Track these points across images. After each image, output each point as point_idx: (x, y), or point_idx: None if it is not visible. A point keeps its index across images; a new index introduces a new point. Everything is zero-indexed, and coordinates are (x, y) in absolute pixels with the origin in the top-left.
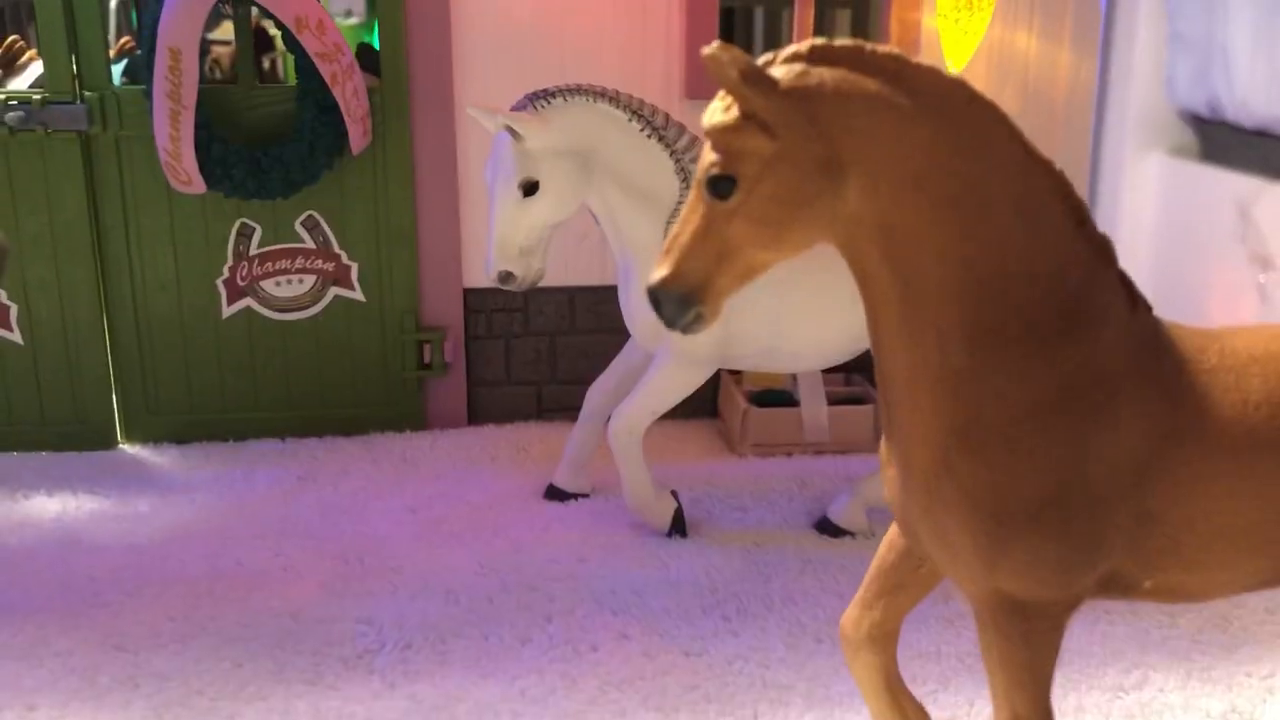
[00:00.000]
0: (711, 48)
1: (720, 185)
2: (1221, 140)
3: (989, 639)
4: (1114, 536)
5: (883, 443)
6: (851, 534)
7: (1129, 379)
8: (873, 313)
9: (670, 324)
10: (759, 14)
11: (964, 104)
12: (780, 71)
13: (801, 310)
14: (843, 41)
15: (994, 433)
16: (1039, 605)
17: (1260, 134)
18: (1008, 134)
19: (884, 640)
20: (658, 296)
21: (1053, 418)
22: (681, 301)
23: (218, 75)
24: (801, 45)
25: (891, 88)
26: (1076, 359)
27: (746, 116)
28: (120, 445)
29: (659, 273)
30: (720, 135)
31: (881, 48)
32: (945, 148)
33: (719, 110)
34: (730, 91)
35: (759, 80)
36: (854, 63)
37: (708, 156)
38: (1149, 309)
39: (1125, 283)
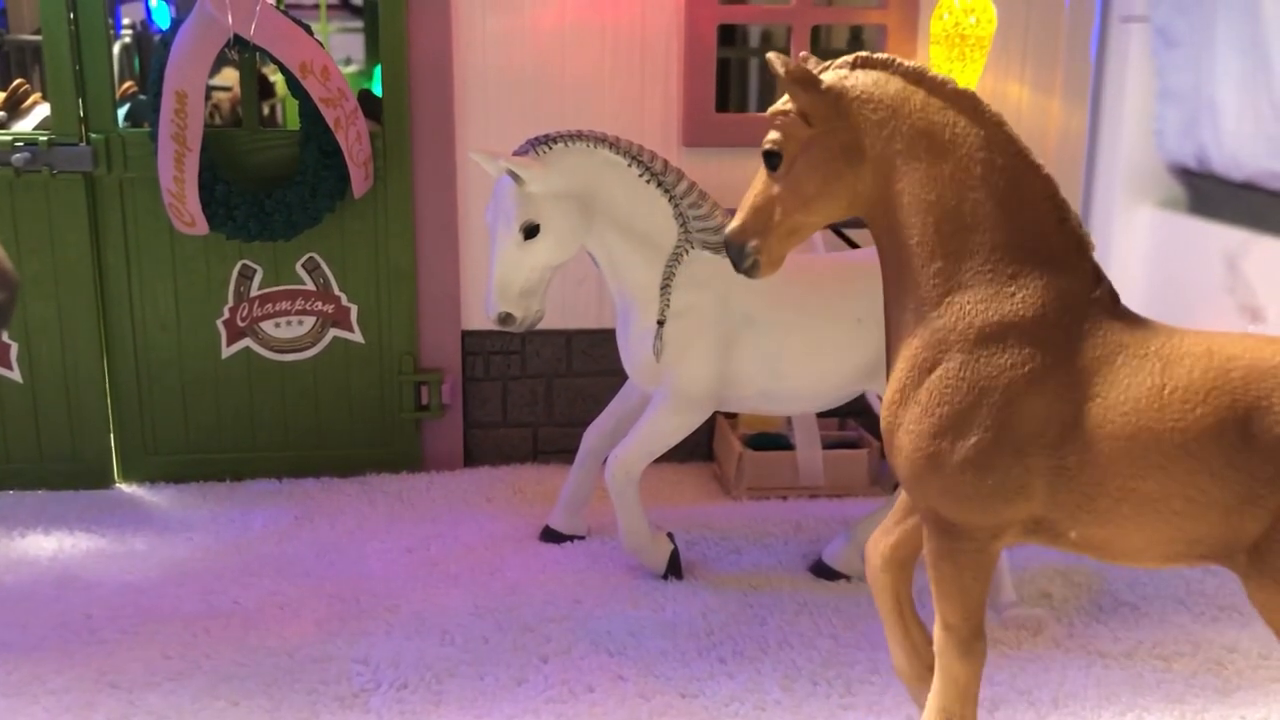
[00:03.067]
0: (771, 54)
1: (771, 159)
2: (1210, 193)
3: (928, 556)
4: (1033, 482)
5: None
6: (847, 577)
7: (1065, 352)
8: (884, 278)
9: (736, 266)
10: (754, 64)
11: (969, 109)
12: (829, 75)
13: (798, 352)
14: (880, 55)
15: (942, 374)
16: (963, 528)
17: (1248, 186)
18: (1006, 138)
19: (897, 564)
20: (728, 241)
21: (988, 369)
22: (743, 248)
23: (217, 120)
24: (850, 56)
25: (910, 88)
26: (1025, 329)
27: (796, 107)
28: (117, 484)
29: (731, 224)
30: (774, 119)
31: (909, 61)
32: (942, 140)
33: (782, 101)
34: (785, 88)
35: (802, 80)
36: (884, 69)
37: (769, 135)
38: (1115, 298)
39: (1097, 273)
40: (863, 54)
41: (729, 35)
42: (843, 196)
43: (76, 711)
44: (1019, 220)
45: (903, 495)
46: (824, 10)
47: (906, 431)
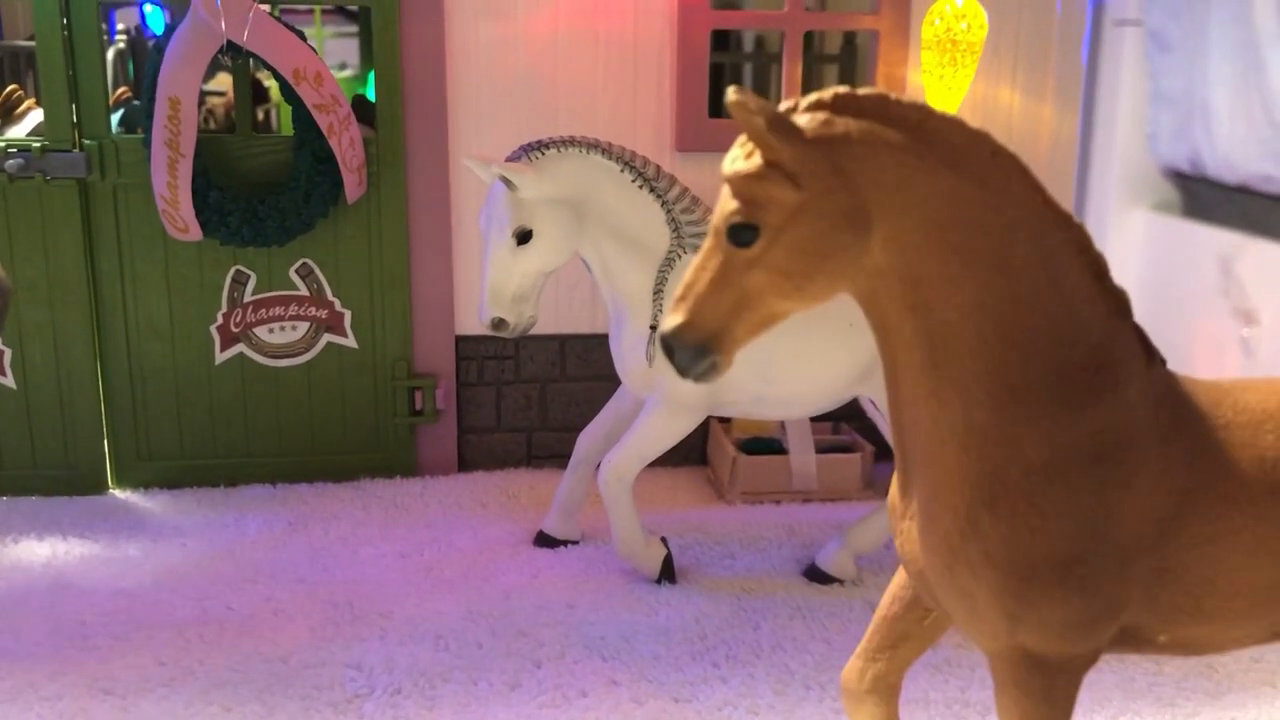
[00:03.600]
0: (736, 94)
1: (742, 234)
2: (1204, 196)
3: (1008, 697)
4: (1133, 592)
5: (895, 496)
6: (840, 581)
7: (1150, 436)
8: (893, 368)
9: (683, 372)
10: (747, 69)
11: (987, 157)
12: (804, 120)
13: (792, 357)
14: (866, 90)
15: (1019, 491)
16: (1060, 660)
17: (1242, 190)
18: (1029, 187)
19: (887, 693)
20: (671, 344)
21: (1077, 475)
22: (696, 350)
23: (211, 126)
24: (825, 93)
25: (915, 139)
26: (1100, 416)
27: (770, 164)
28: (111, 490)
29: (673, 320)
30: (742, 183)
31: (906, 98)
32: (968, 200)
33: (739, 157)
34: (755, 139)
35: (785, 129)
36: (878, 113)
37: (728, 204)
38: (1163, 362)
39: (1141, 337)
40: (841, 90)
41: (722, 40)
42: (845, 274)
43: (70, 718)
44: (1063, 286)
45: (887, 617)
46: (816, 16)
47: (989, 562)
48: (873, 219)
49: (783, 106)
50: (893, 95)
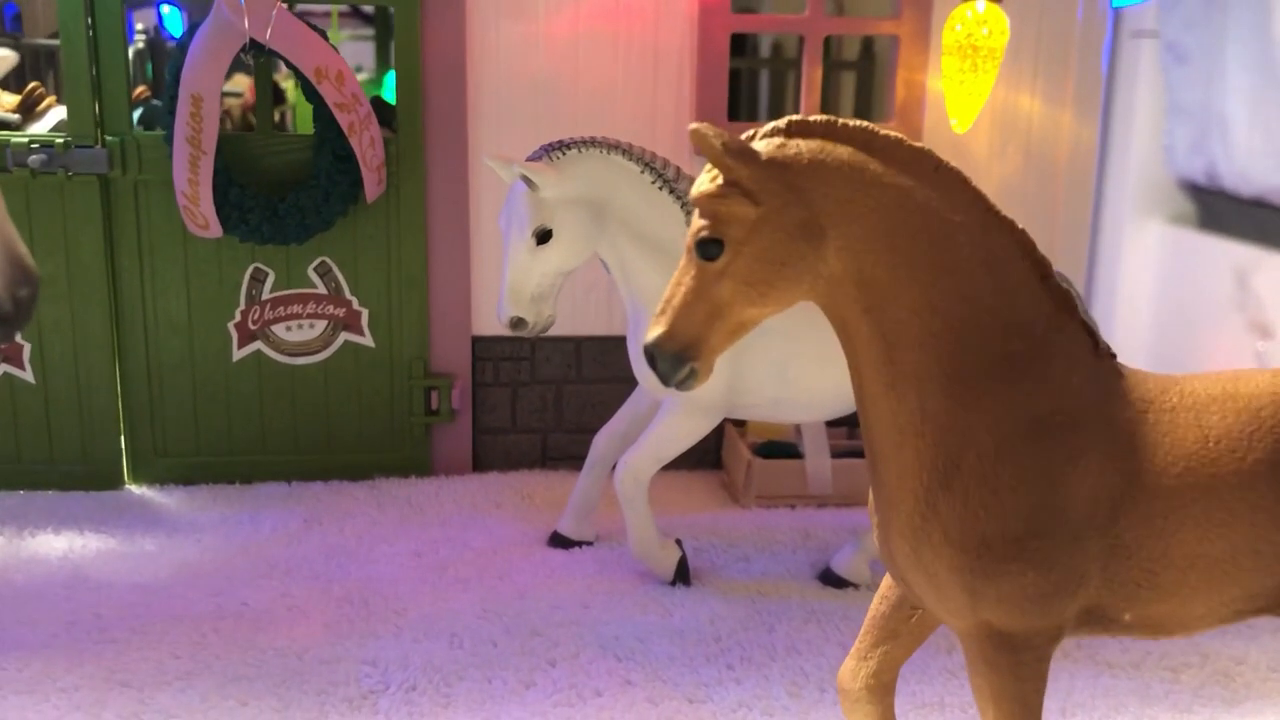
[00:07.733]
0: (696, 125)
1: (709, 248)
2: (1220, 209)
3: (979, 675)
4: (1090, 568)
5: (870, 495)
6: (854, 585)
7: (1097, 419)
8: (855, 366)
9: (665, 380)
10: (764, 75)
11: (930, 170)
12: (761, 144)
13: (807, 361)
14: (816, 116)
15: (972, 473)
16: (1024, 635)
17: (1258, 203)
18: (972, 197)
19: (881, 691)
20: (653, 354)
21: (1026, 455)
22: (676, 359)
23: (228, 126)
24: (780, 121)
25: (862, 155)
26: (1046, 401)
27: (730, 184)
28: (128, 485)
29: (654, 332)
30: (707, 202)
31: (852, 121)
32: (911, 209)
33: (705, 180)
34: (715, 162)
35: (740, 152)
36: (827, 133)
37: (696, 223)
38: (1112, 355)
39: (1089, 331)
40: (795, 118)
41: (739, 45)
42: (803, 281)
43: (87, 709)
44: (1007, 285)
45: (876, 616)
46: (837, 20)
47: (948, 541)
48: (825, 229)
49: (744, 135)
50: (840, 119)
